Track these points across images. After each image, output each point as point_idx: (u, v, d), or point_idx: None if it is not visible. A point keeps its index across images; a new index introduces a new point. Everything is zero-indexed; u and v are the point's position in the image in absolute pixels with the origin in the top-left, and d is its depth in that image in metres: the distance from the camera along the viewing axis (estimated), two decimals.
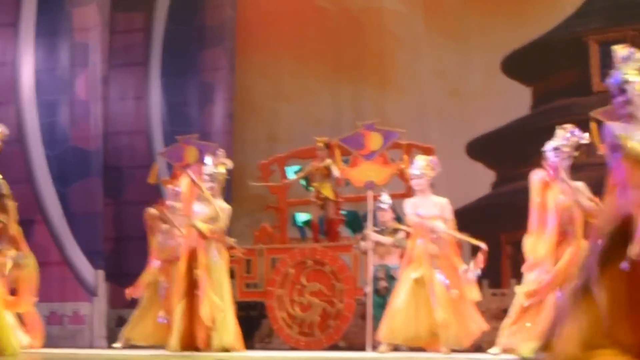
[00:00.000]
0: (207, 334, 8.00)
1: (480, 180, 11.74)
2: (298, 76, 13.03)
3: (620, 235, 4.19)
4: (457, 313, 7.82)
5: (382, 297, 8.76)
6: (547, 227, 6.96)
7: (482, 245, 7.88)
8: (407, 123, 10.61)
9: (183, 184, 8.79)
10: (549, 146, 7.24)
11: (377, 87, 12.64)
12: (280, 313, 9.80)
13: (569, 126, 7.28)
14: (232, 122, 12.82)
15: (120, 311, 11.19)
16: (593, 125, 8.46)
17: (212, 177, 8.36)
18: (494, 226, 10.80)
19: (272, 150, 11.90)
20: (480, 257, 7.94)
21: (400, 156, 9.69)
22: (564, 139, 7.22)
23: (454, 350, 7.83)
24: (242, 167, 11.44)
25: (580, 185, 7.19)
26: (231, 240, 9.32)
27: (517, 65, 12.24)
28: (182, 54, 12.78)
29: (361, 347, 9.14)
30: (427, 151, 10.54)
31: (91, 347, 10.86)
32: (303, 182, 10.51)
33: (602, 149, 8.44)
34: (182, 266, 8.31)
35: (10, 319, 7.82)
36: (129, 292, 9.64)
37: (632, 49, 4.62)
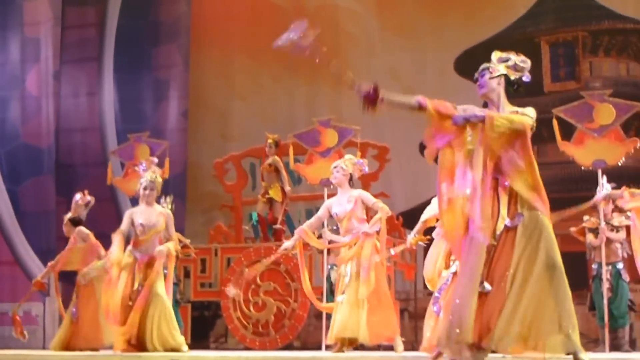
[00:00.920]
0: (152, 333, 7.80)
1: (433, 180, 11.80)
2: (253, 74, 13.01)
3: None
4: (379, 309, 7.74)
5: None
6: None
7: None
8: (361, 121, 10.60)
9: None
10: None
11: (331, 86, 12.66)
12: (234, 313, 9.79)
13: None
14: (186, 120, 12.76)
15: None
16: (555, 123, 8.61)
17: (152, 185, 8.05)
18: None
19: (227, 148, 11.87)
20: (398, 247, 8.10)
21: (355, 153, 9.70)
22: None
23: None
24: (197, 165, 11.43)
25: None
26: (185, 240, 9.28)
27: (469, 65, 12.30)
28: (136, 50, 12.67)
29: (316, 347, 9.17)
30: (382, 150, 10.65)
31: (44, 348, 10.72)
32: None
33: (564, 147, 8.65)
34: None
35: None
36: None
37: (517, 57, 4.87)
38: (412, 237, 7.17)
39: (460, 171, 4.67)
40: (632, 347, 9.06)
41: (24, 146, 11.53)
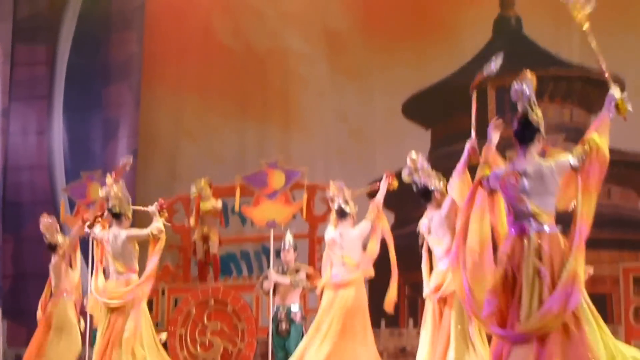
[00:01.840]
0: None
1: None
2: (203, 114, 13.09)
3: None
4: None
5: (282, 338, 8.78)
6: None
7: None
8: (310, 163, 10.76)
9: None
10: None
11: (281, 127, 12.80)
12: (181, 352, 9.75)
13: None
14: (135, 159, 12.74)
15: (18, 349, 10.92)
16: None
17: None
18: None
19: (175, 187, 11.89)
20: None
21: (303, 195, 9.79)
22: None
23: None
24: (145, 204, 11.33)
25: None
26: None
27: (417, 108, 12.58)
28: (86, 88, 12.69)
29: None
30: None
31: None
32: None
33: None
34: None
35: None
36: None
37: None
38: None
39: None
40: None
41: None
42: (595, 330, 4.57)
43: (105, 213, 7.95)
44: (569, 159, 4.83)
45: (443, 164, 12.15)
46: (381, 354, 8.52)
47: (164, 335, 9.05)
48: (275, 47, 13.02)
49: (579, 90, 12.41)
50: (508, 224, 4.88)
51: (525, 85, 4.95)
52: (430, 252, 6.77)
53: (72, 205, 11.06)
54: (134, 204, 8.85)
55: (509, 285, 4.72)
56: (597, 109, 12.18)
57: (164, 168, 13.05)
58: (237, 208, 9.73)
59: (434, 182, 6.74)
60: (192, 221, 10.26)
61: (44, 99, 12.66)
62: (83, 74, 12.70)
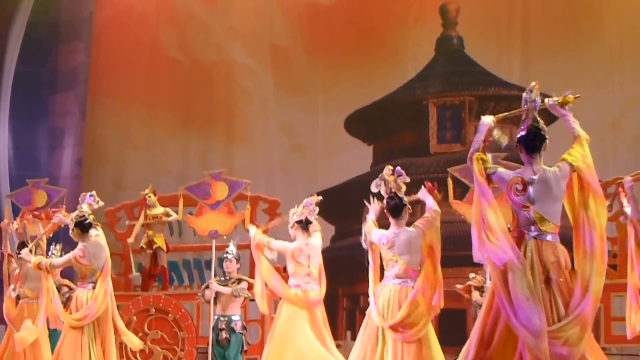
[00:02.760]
0: None
1: (322, 234, 12.09)
2: (147, 125, 13.15)
3: None
4: None
5: (222, 347, 8.84)
6: None
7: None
8: (253, 176, 10.85)
9: None
10: None
11: (225, 140, 12.90)
12: None
13: None
14: (80, 168, 12.77)
15: None
16: (449, 182, 9.00)
17: None
18: (332, 279, 11.11)
19: (119, 197, 11.90)
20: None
21: (245, 207, 9.89)
22: None
23: None
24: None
25: None
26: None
27: (359, 124, 12.78)
28: (33, 97, 12.67)
29: None
30: (272, 204, 10.86)
31: None
32: None
33: (456, 205, 9.01)
34: None
35: None
36: None
37: None
38: None
39: None
40: None
41: None
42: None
43: None
44: (567, 160, 4.94)
45: None
46: None
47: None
48: (220, 61, 13.13)
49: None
50: (512, 229, 4.93)
51: (535, 95, 5.01)
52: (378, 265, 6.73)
53: (16, 211, 11.05)
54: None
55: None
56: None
57: (109, 178, 13.06)
58: (180, 217, 9.80)
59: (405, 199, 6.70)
60: (136, 228, 10.31)
61: None
62: (30, 83, 12.68)
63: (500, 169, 4.96)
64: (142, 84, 13.14)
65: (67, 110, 12.76)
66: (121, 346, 9.69)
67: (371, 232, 6.63)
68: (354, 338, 11.13)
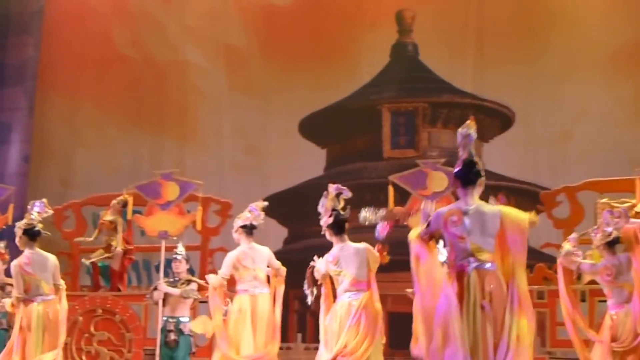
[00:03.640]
0: None
1: (273, 236, 12.05)
2: (98, 122, 12.99)
3: None
4: None
5: (171, 349, 8.74)
6: None
7: None
8: (206, 177, 10.74)
9: None
10: None
11: (177, 140, 12.80)
12: None
13: None
14: (27, 165, 12.53)
15: None
16: (391, 189, 9.00)
17: None
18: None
19: (66, 195, 11.70)
20: None
21: (197, 208, 9.78)
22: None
23: None
24: None
25: None
26: None
27: (314, 128, 12.79)
28: None
29: None
30: (224, 206, 10.76)
31: None
32: None
33: (397, 211, 9.01)
34: None
35: None
36: None
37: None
38: None
39: None
40: None
41: None
42: None
43: None
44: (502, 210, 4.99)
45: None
46: None
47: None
48: (174, 60, 13.02)
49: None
50: (449, 267, 4.98)
51: (472, 131, 5.07)
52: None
53: None
54: (24, 210, 8.71)
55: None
56: (488, 137, 12.71)
57: (56, 175, 12.85)
58: (129, 217, 9.65)
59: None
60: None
61: None
62: None
63: (438, 210, 5.06)
64: (93, 80, 12.96)
65: (15, 105, 12.52)
66: (66, 347, 9.51)
67: (320, 269, 6.75)
68: (304, 340, 11.15)
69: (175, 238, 9.38)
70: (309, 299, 6.81)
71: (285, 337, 11.22)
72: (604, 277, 7.04)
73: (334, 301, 6.71)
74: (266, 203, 7.88)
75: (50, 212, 7.80)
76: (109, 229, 10.06)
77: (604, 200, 9.73)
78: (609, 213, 7.19)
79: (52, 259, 7.70)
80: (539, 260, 10.26)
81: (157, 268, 9.56)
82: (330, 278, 6.76)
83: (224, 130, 12.92)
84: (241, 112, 12.83)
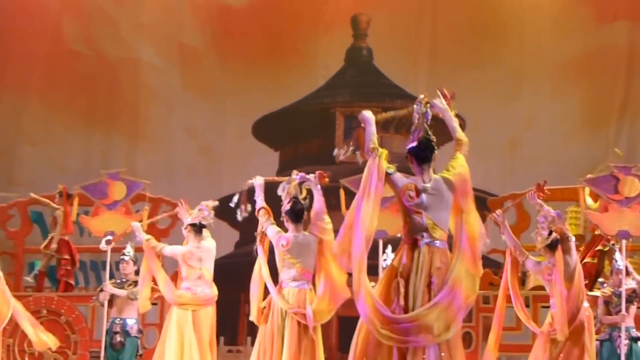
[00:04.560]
0: None
1: (224, 239, 11.98)
2: (46, 119, 12.79)
3: None
4: None
5: (117, 351, 8.66)
6: None
7: None
8: (157, 177, 10.68)
9: None
10: None
11: (129, 139, 12.67)
12: None
13: None
14: None
15: None
16: (342, 193, 9.03)
17: None
18: (234, 285, 11.05)
19: (12, 193, 11.48)
20: None
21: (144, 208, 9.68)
22: None
23: None
24: None
25: None
26: None
27: (267, 130, 12.76)
28: None
29: None
30: (174, 207, 10.65)
31: None
32: None
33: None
34: None
35: None
36: None
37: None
38: None
39: None
40: None
41: None
42: None
43: None
44: (446, 176, 5.03)
45: None
46: None
47: None
48: (127, 57, 12.86)
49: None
50: (403, 235, 5.02)
51: (427, 108, 5.09)
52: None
53: None
54: None
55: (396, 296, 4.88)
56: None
57: (2, 173, 12.61)
58: (74, 217, 9.51)
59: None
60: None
61: None
62: None
63: (397, 173, 5.03)
64: (42, 76, 12.73)
65: None
66: (9, 349, 9.36)
67: (268, 225, 6.86)
68: (254, 344, 11.09)
69: (122, 238, 9.27)
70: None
71: (234, 340, 11.20)
72: (545, 277, 7.23)
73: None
74: (216, 203, 7.84)
75: None
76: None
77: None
78: (543, 217, 7.32)
79: None
80: (486, 265, 10.36)
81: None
82: (269, 243, 6.89)
83: (176, 130, 12.82)
84: (194, 112, 12.74)
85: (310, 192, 6.92)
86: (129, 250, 9.14)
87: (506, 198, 10.44)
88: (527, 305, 8.30)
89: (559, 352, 6.93)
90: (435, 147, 5.08)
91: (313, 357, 6.63)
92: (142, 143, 12.68)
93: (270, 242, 6.91)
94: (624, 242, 7.91)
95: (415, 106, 5.12)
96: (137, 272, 9.01)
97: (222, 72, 12.90)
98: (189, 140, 12.75)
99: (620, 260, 7.75)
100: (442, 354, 4.80)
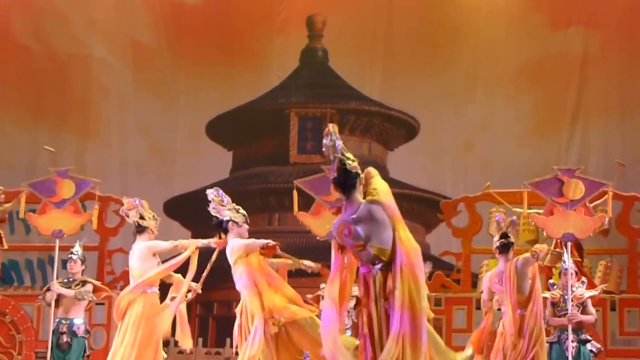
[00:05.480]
0: None
1: (176, 238, 11.84)
2: None
3: None
4: None
5: (63, 352, 8.51)
6: None
7: None
8: (107, 175, 10.55)
9: None
10: None
11: (78, 136, 12.49)
12: None
13: None
14: None
15: None
16: (295, 194, 8.98)
17: None
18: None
19: None
20: None
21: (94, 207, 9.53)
22: None
23: None
24: None
25: None
26: None
27: (221, 129, 12.69)
28: None
29: None
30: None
31: None
32: None
33: (301, 217, 9.01)
34: None
35: None
36: None
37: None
38: None
39: None
40: None
41: None
42: None
43: None
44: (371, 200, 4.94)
45: (242, 186, 12.36)
46: None
47: None
48: (77, 53, 12.70)
49: (377, 126, 12.96)
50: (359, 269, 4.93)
51: (332, 138, 4.96)
52: None
53: None
54: None
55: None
56: (393, 145, 12.86)
57: None
58: (22, 214, 9.33)
59: (227, 213, 6.83)
60: None
61: None
62: None
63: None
64: None
65: None
66: None
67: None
68: (205, 345, 11.00)
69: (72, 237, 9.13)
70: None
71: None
72: (494, 285, 7.26)
73: None
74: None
75: None
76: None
77: (493, 209, 10.05)
78: (498, 221, 7.40)
79: None
80: (438, 267, 10.46)
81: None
82: None
83: (128, 128, 12.68)
84: (147, 111, 12.62)
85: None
86: (77, 248, 8.99)
87: (459, 201, 10.52)
88: None
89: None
90: (358, 173, 4.94)
91: None
92: (92, 141, 12.52)
93: None
94: (569, 244, 7.98)
95: (324, 140, 4.95)
96: (84, 272, 8.90)
97: (175, 70, 12.81)
98: (140, 138, 12.63)
99: (568, 261, 7.82)
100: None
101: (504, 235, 7.35)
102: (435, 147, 12.63)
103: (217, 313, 11.70)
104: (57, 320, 8.68)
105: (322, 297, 9.37)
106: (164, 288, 7.59)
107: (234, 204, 6.91)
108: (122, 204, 9.72)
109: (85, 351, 8.50)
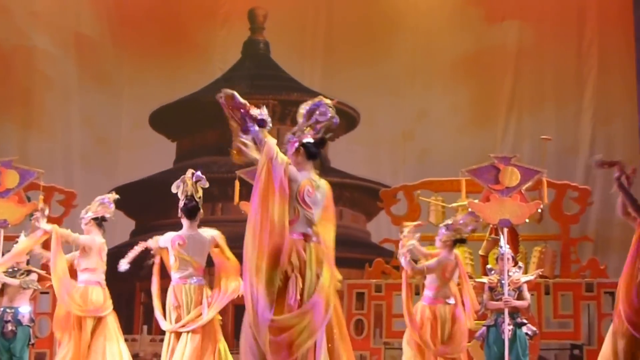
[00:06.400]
0: None
1: (120, 228, 11.93)
2: None
3: None
4: None
5: (8, 340, 8.51)
6: None
7: None
8: (51, 166, 10.53)
9: None
10: None
11: (21, 127, 12.42)
12: None
13: None
14: None
15: None
16: (237, 183, 9.13)
17: None
18: (130, 274, 11.00)
19: None
20: None
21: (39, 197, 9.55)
22: None
23: None
24: None
25: None
26: None
27: (164, 120, 12.75)
28: None
29: None
30: (68, 195, 10.57)
31: None
32: None
33: (242, 206, 9.15)
34: None
35: None
36: None
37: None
38: None
39: None
40: None
41: None
42: None
43: None
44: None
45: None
46: None
47: None
48: (21, 45, 12.61)
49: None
50: (291, 225, 5.00)
51: (306, 110, 5.35)
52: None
53: None
54: None
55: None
56: (334, 136, 12.95)
57: None
58: None
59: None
60: None
61: None
62: None
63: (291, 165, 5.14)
64: None
65: None
66: None
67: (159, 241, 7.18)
68: (150, 332, 11.10)
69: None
70: None
71: (130, 329, 11.15)
72: (446, 275, 7.65)
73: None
74: (117, 196, 7.88)
75: None
76: None
77: (432, 197, 10.33)
78: (456, 219, 7.84)
79: None
80: (378, 255, 10.71)
81: None
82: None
83: (72, 119, 12.65)
84: (90, 102, 12.61)
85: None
86: (22, 238, 9.02)
87: (397, 190, 10.77)
88: None
89: None
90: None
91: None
92: (35, 131, 12.47)
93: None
94: (505, 230, 8.25)
95: (328, 108, 5.21)
96: (29, 262, 8.93)
97: (118, 62, 12.81)
98: (84, 129, 12.62)
99: (504, 246, 8.08)
100: (329, 345, 4.97)
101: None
102: (374, 137, 12.82)
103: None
104: (2, 309, 8.67)
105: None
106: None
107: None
108: (65, 194, 9.82)
109: (30, 340, 8.53)
